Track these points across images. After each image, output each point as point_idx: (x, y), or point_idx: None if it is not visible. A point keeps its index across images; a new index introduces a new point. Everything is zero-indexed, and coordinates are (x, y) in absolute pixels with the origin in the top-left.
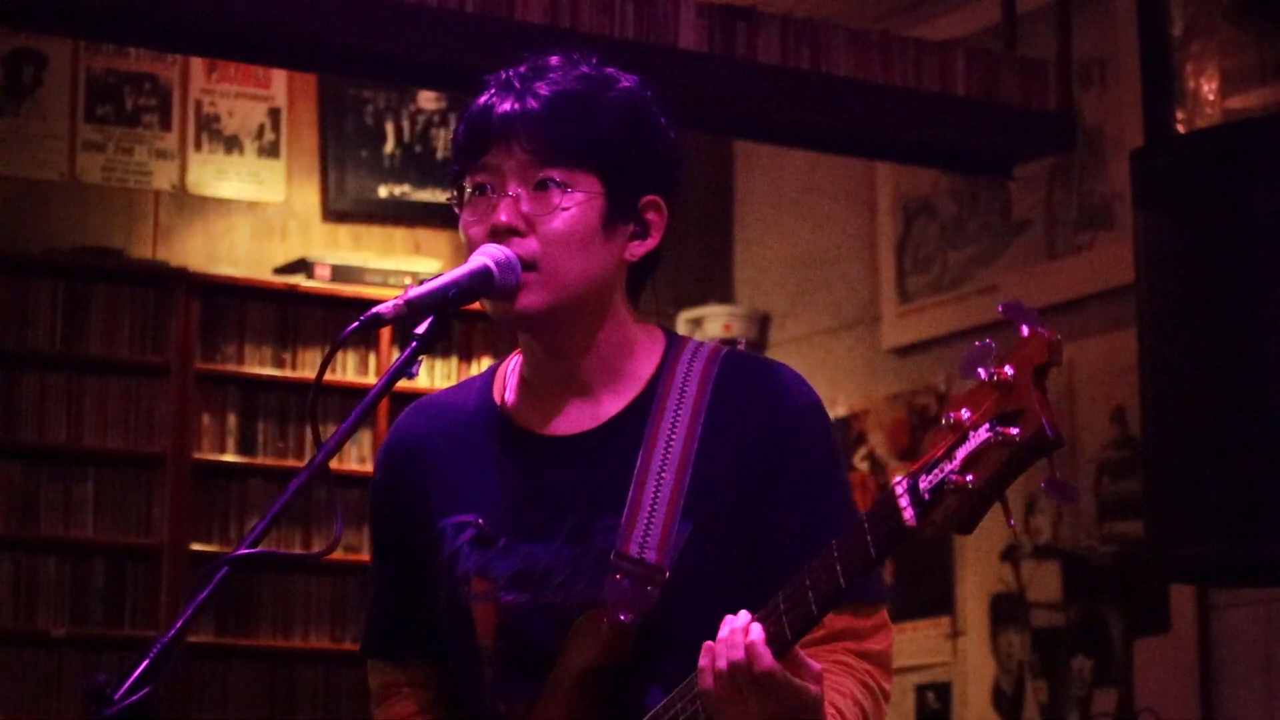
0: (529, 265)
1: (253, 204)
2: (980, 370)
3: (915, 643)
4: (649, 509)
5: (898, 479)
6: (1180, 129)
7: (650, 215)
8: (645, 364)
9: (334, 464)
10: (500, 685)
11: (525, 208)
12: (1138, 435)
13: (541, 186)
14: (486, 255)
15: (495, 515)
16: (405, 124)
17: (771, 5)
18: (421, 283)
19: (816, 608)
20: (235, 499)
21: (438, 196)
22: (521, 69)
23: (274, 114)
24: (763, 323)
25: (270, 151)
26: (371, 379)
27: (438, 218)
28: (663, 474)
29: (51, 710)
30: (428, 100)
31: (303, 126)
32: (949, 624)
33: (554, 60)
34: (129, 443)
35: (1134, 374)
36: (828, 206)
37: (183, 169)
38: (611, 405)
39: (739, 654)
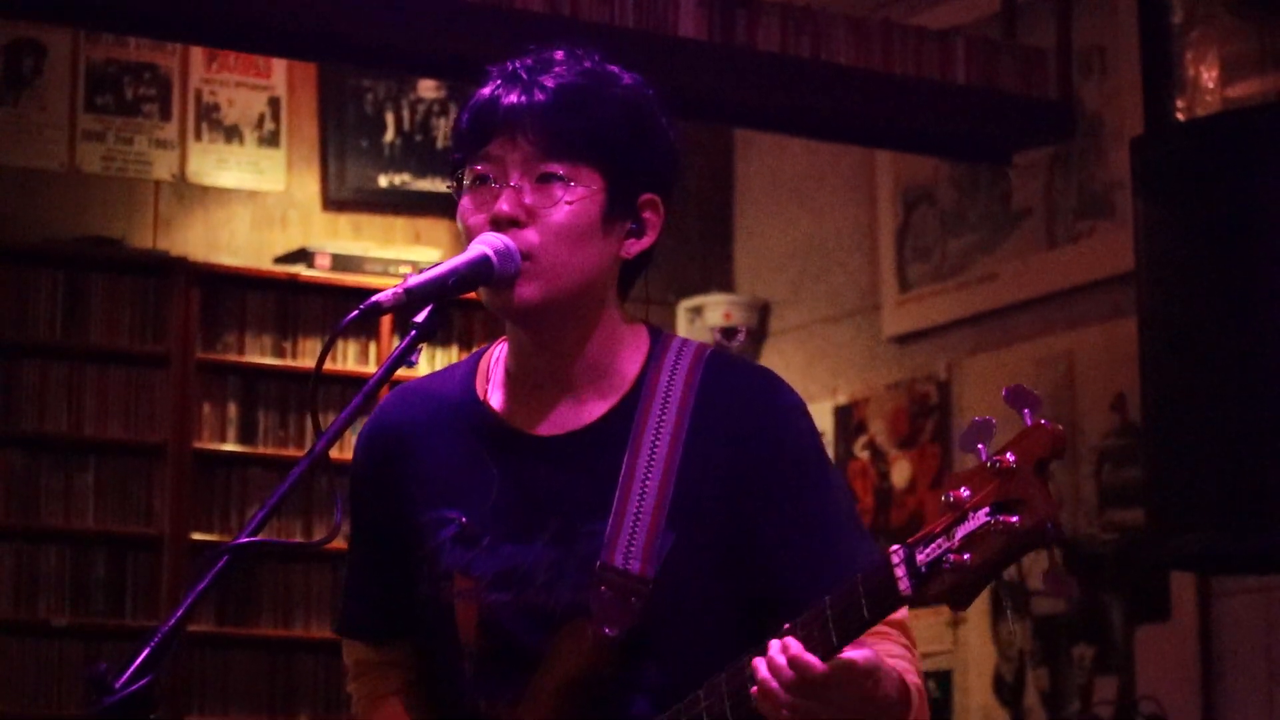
0: (526, 256)
1: (253, 193)
2: (980, 447)
3: (916, 631)
4: (633, 518)
5: (894, 548)
6: (1180, 117)
7: (647, 214)
8: (630, 364)
9: (334, 453)
10: (481, 682)
11: (527, 199)
12: (1138, 423)
13: (544, 179)
14: (486, 244)
15: (478, 513)
16: (405, 113)
17: None
18: (421, 271)
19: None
20: (236, 488)
21: (438, 186)
22: (527, 61)
23: (274, 103)
24: (763, 311)
25: (270, 141)
26: (371, 368)
27: (438, 207)
28: (647, 482)
29: (53, 700)
30: (428, 89)
31: (303, 116)
32: (949, 612)
33: (559, 54)
34: (129, 432)
35: (1134, 362)
36: (828, 195)
37: (183, 158)
38: (597, 407)
39: (787, 673)
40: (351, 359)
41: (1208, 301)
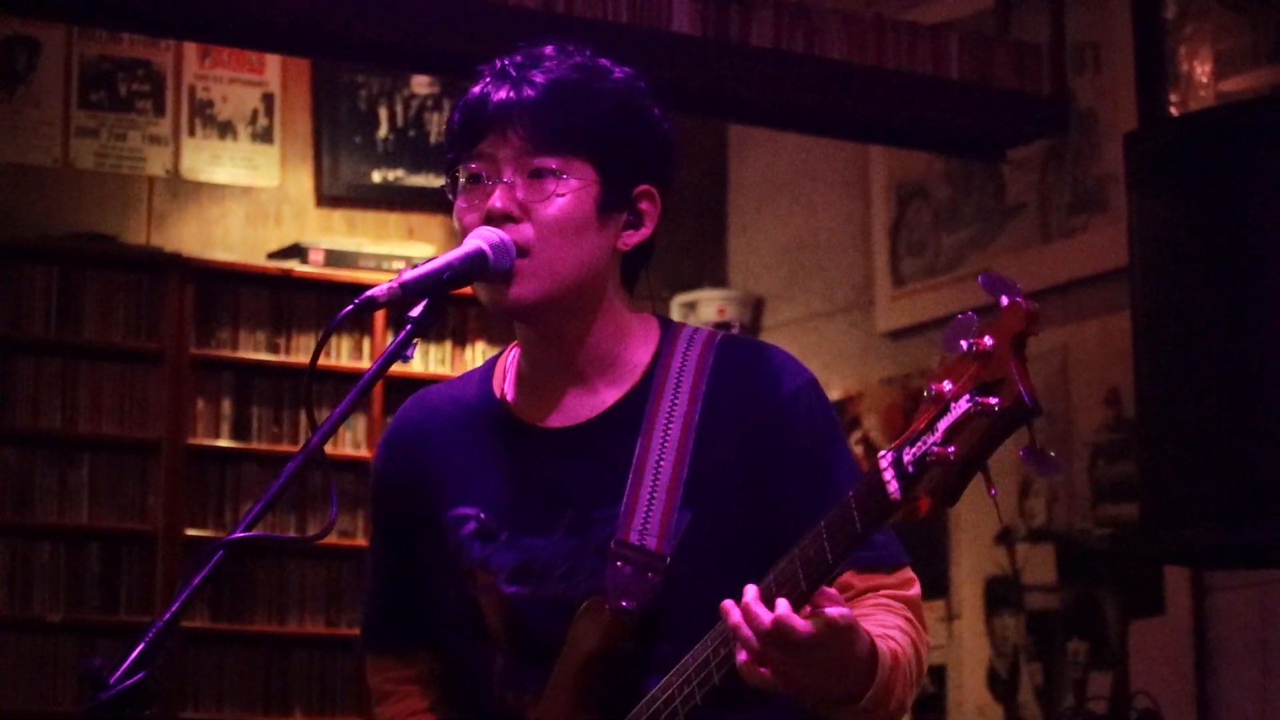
0: (522, 252)
1: (246, 189)
2: (963, 343)
3: None
4: (648, 497)
5: (882, 452)
6: (1174, 112)
7: (644, 205)
8: (641, 352)
9: (329, 448)
10: (509, 675)
11: (520, 194)
12: (1132, 418)
13: (536, 174)
14: (481, 238)
15: (495, 508)
16: (399, 109)
17: None
18: (416, 266)
19: (806, 584)
20: (230, 484)
21: (431, 181)
22: (517, 58)
23: (267, 99)
24: (756, 307)
25: (264, 137)
26: (366, 363)
27: (431, 202)
28: (661, 462)
29: (47, 696)
30: (421, 85)
31: (296, 112)
32: (944, 607)
33: (548, 50)
34: (124, 429)
35: (1128, 357)
36: (821, 190)
37: (176, 155)
38: (608, 395)
39: (765, 624)
40: (345, 355)
41: (1202, 296)
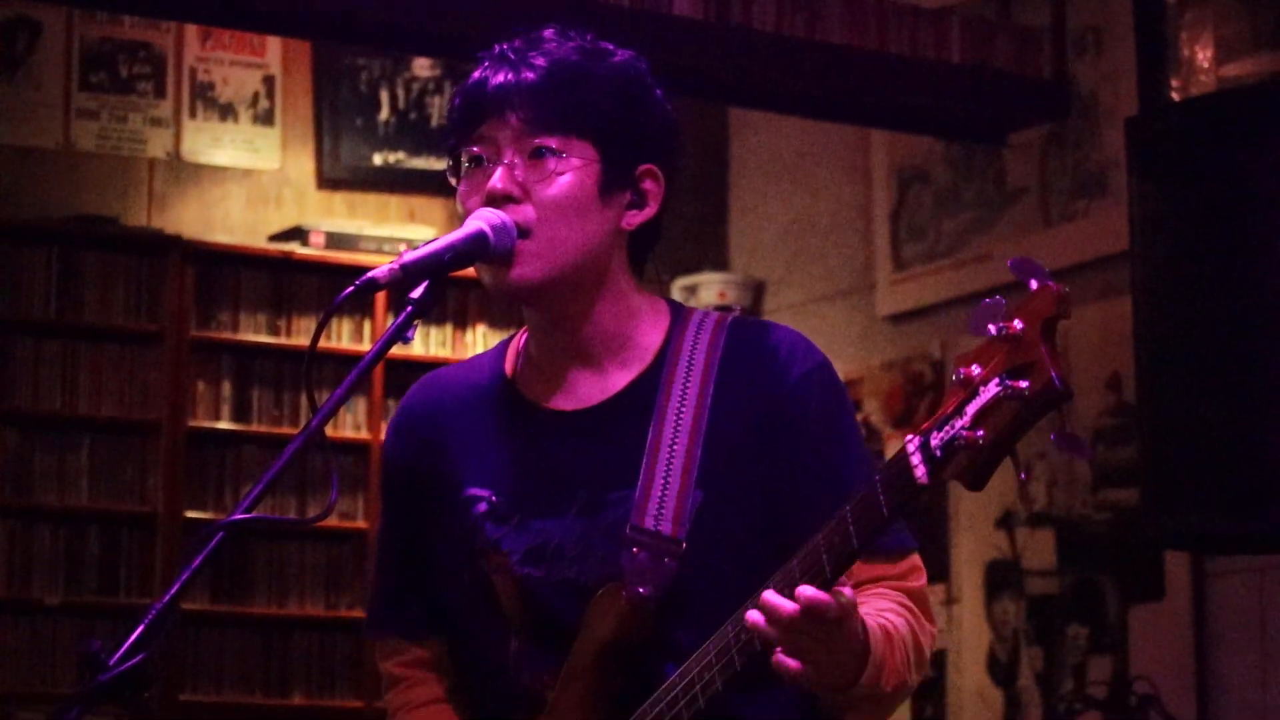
0: (524, 232)
1: (247, 171)
2: (990, 326)
3: None
4: (662, 481)
5: (910, 436)
6: (1175, 96)
7: (647, 184)
8: (652, 334)
9: (329, 430)
10: (524, 657)
11: (520, 175)
12: (1133, 402)
13: (537, 154)
14: (481, 219)
15: (506, 490)
16: (400, 91)
17: None
18: (417, 248)
19: (831, 569)
20: (230, 466)
21: (432, 164)
22: (516, 43)
23: (268, 81)
24: (757, 290)
25: (265, 119)
26: (366, 345)
27: (432, 185)
28: (674, 445)
29: (46, 678)
30: (422, 67)
31: (297, 94)
32: (944, 591)
33: (548, 33)
34: (123, 410)
35: (1129, 341)
36: (822, 174)
37: (177, 137)
38: (620, 378)
39: (790, 611)
40: (346, 337)
41: (1202, 281)
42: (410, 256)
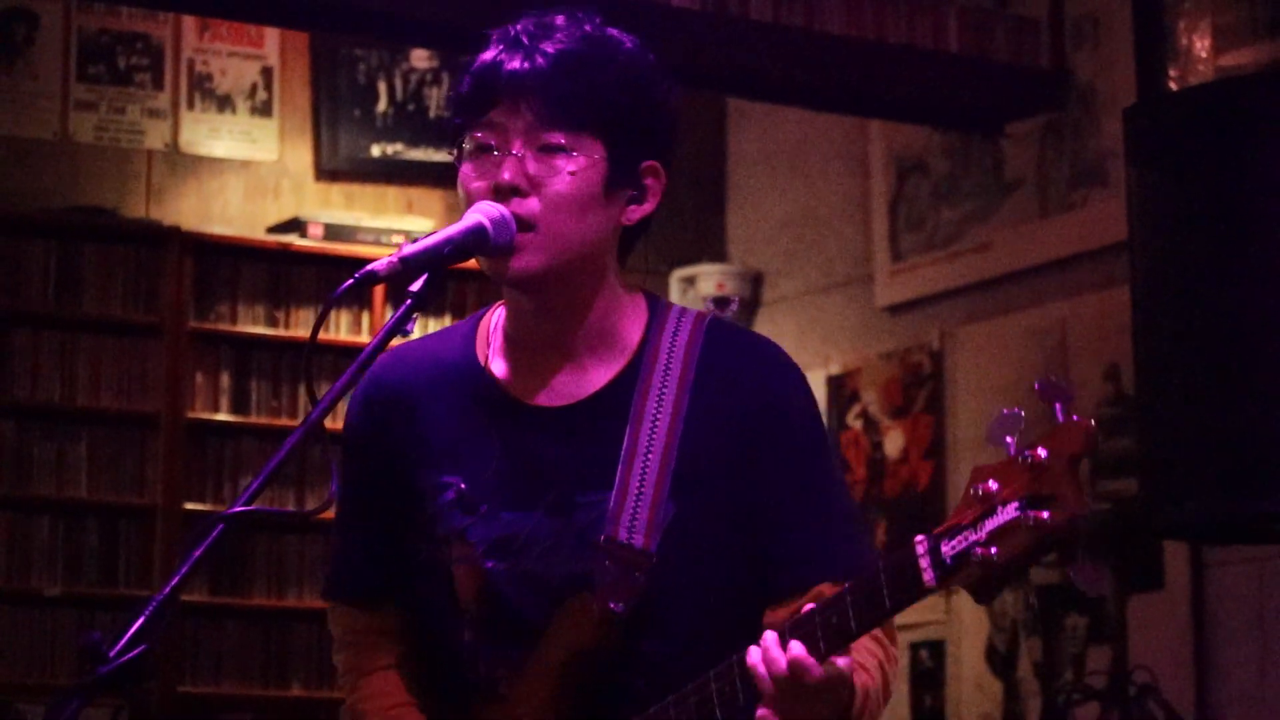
0: (528, 226)
1: (245, 163)
2: (1008, 440)
3: None
4: (636, 492)
5: (919, 538)
6: (1173, 86)
7: (649, 180)
8: (631, 330)
9: (328, 423)
10: (480, 648)
11: (529, 168)
12: (1131, 393)
13: (546, 149)
14: (481, 213)
15: (477, 481)
16: (398, 83)
17: None
18: (416, 240)
19: (825, 647)
20: (229, 458)
21: (430, 155)
22: (529, 26)
23: (266, 73)
24: (755, 281)
25: (263, 110)
26: (365, 338)
27: (430, 176)
28: (649, 454)
29: (46, 669)
30: (420, 59)
31: (295, 85)
32: None
33: (559, 19)
34: (122, 402)
35: (1127, 331)
36: (820, 165)
37: (175, 128)
38: (598, 375)
39: (781, 669)
40: (345, 329)
41: (1201, 271)
42: (409, 250)
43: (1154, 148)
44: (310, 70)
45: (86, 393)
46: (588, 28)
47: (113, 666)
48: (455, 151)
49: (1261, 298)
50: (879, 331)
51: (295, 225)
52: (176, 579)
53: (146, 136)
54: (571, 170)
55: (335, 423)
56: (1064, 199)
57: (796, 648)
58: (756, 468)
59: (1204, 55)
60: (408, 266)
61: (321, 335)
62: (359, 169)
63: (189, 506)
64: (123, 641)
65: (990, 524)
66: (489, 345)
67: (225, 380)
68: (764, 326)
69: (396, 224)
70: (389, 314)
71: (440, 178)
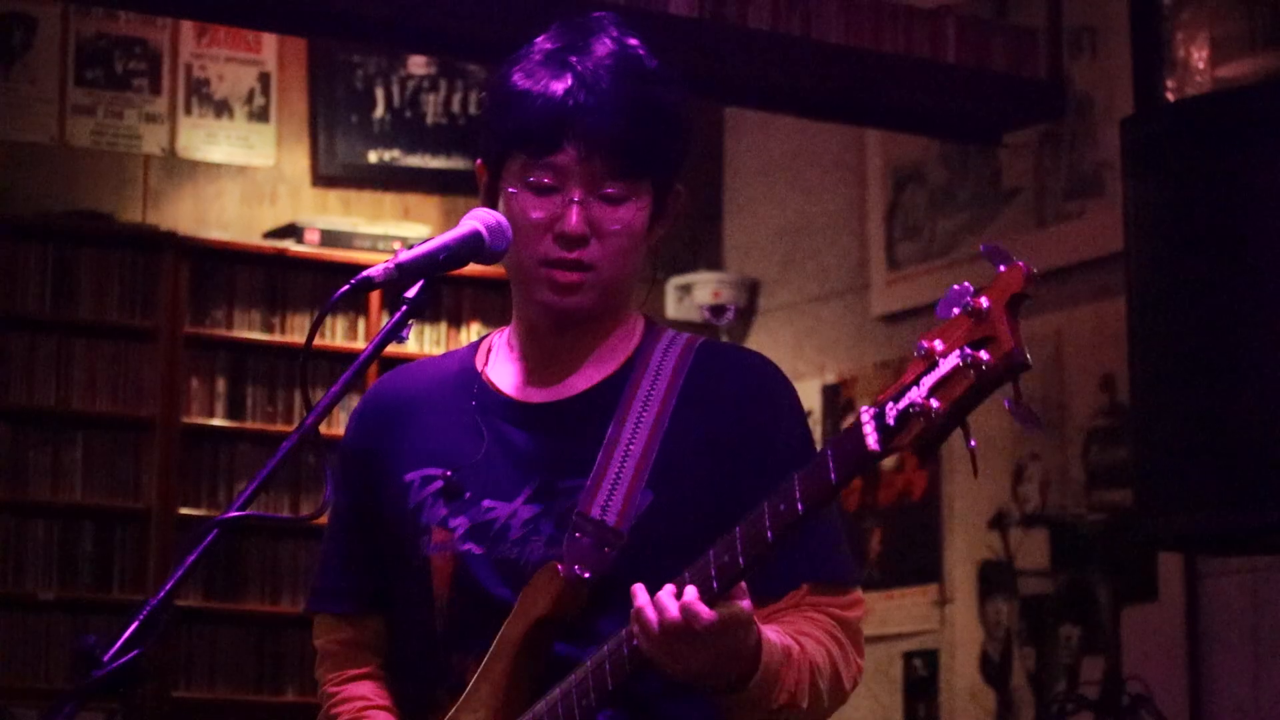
0: (588, 267)
1: (242, 168)
2: (955, 309)
3: (903, 610)
4: (614, 476)
5: (864, 407)
6: (1170, 97)
7: (671, 201)
8: (626, 343)
9: (323, 428)
10: (451, 637)
11: (592, 213)
12: (1127, 403)
13: (607, 198)
14: (477, 219)
15: (462, 469)
16: (395, 89)
17: None
18: (412, 247)
19: (773, 535)
20: (224, 463)
21: (427, 162)
22: (587, 61)
23: (264, 78)
24: (752, 290)
25: (260, 116)
26: (360, 344)
27: (427, 183)
28: (631, 445)
29: (40, 673)
30: (418, 66)
31: (292, 91)
32: (937, 591)
33: (608, 46)
34: (118, 406)
35: (1123, 342)
36: (817, 174)
37: (172, 133)
38: (589, 378)
39: (672, 614)
40: (340, 335)
41: (1197, 282)
42: (405, 256)
43: (1151, 158)
44: (308, 76)
45: (82, 397)
46: (635, 54)
47: (107, 671)
48: (489, 161)
49: (1257, 309)
50: (875, 340)
51: (292, 231)
52: (171, 583)
53: (144, 141)
54: (630, 218)
55: (330, 428)
56: (1061, 209)
57: (690, 592)
58: (739, 470)
59: (1201, 66)
60: (404, 273)
61: (317, 341)
62: (356, 175)
63: (184, 511)
64: (117, 646)
65: (930, 378)
66: (489, 356)
67: (221, 385)
68: (760, 335)
69: (393, 230)
70: (385, 320)
71: (437, 184)
